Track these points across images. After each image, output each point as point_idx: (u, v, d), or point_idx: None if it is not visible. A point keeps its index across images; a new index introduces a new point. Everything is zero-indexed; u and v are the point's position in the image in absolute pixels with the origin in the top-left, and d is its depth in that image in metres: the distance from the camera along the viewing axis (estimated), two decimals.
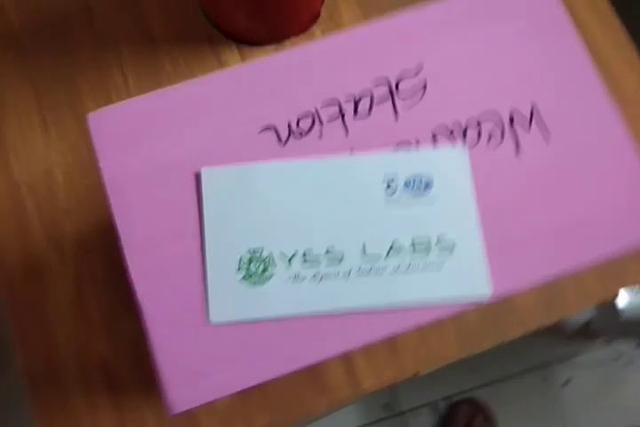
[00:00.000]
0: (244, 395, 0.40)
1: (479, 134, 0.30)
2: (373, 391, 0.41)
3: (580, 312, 1.11)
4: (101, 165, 0.30)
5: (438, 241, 0.30)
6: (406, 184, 0.31)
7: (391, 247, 0.30)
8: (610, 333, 1.16)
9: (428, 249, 0.30)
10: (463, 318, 0.42)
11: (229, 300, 0.30)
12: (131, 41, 0.46)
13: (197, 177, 0.30)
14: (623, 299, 1.07)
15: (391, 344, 0.41)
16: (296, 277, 0.30)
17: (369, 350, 0.41)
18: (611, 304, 1.10)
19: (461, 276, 0.29)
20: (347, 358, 0.41)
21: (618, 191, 0.30)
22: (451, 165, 0.30)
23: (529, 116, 0.31)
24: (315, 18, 0.46)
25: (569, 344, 1.17)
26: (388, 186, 0.30)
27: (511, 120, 0.31)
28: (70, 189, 0.43)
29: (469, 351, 0.42)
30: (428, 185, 0.31)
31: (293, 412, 0.40)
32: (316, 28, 0.46)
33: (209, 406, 0.40)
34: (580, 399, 1.14)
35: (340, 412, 1.10)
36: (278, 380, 0.40)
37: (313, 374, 0.41)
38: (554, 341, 1.17)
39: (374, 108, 0.31)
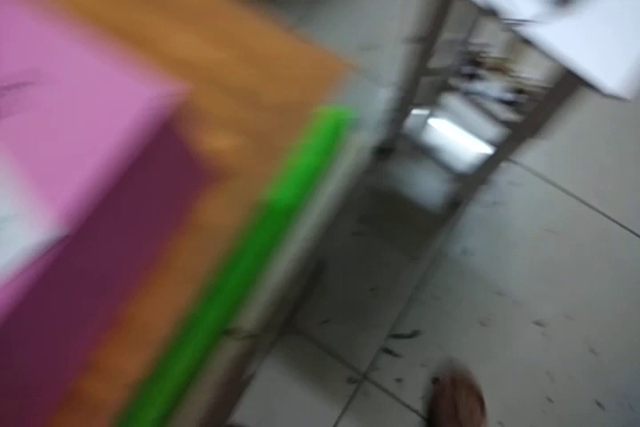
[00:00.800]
0: None
1: None
2: (136, 386, 0.36)
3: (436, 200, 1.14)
4: None
5: None
6: None
7: None
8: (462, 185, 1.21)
9: None
10: None
11: None
12: None
13: None
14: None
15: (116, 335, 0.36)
16: None
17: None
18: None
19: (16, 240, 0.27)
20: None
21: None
22: None
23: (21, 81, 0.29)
24: None
25: (443, 231, 1.20)
26: None
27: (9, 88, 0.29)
28: None
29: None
30: None
31: None
32: None
33: None
34: (484, 257, 1.18)
35: (316, 405, 1.05)
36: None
37: (70, 401, 0.35)
38: (432, 236, 1.20)
39: None
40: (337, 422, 1.05)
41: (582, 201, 1.21)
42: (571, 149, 1.26)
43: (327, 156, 0.46)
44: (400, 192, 1.23)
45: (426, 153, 1.27)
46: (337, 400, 1.06)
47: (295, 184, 0.45)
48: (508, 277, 1.17)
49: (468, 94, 1.03)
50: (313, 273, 1.11)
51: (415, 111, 1.16)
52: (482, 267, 1.17)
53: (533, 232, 1.20)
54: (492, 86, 1.04)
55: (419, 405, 1.06)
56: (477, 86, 1.04)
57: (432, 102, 1.28)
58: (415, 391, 1.07)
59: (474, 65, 1.02)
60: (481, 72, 1.03)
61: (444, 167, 1.18)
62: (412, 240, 1.19)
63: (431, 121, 1.30)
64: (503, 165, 1.22)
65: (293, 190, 0.45)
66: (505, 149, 0.90)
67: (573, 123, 1.26)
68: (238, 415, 1.04)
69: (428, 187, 1.23)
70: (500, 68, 0.99)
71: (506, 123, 0.87)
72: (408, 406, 1.06)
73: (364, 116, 1.26)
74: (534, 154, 1.24)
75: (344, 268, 1.16)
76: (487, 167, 1.04)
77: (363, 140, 0.51)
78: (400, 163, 1.25)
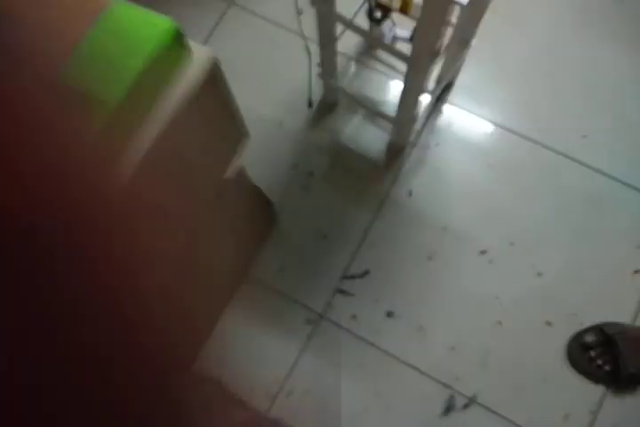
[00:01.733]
0: None
1: None
2: None
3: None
4: None
5: None
6: None
7: None
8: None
9: None
10: None
11: None
12: None
13: None
14: None
15: None
16: None
17: None
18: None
19: None
20: None
21: None
22: None
23: None
24: None
25: (388, 177, 1.25)
26: None
27: None
28: None
29: None
30: None
31: None
32: None
33: None
34: (428, 197, 1.23)
35: (277, 345, 1.11)
36: None
37: None
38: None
39: None
40: (298, 358, 1.11)
41: (518, 133, 1.26)
42: (498, 84, 1.30)
43: (149, 58, 0.50)
44: (345, 144, 1.28)
45: (363, 103, 1.32)
46: (297, 340, 1.12)
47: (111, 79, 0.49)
48: (451, 213, 1.22)
49: (382, 38, 1.07)
50: (263, 221, 1.17)
51: (349, 64, 1.20)
52: (427, 206, 1.23)
53: (474, 169, 1.25)
54: (402, 27, 1.09)
55: (375, 337, 1.12)
56: (387, 29, 1.08)
57: (360, 53, 1.33)
58: (369, 325, 1.13)
59: (382, 8, 1.06)
60: (390, 14, 1.07)
61: (381, 114, 1.23)
62: (360, 188, 1.25)
63: (365, 71, 1.35)
64: (436, 106, 1.27)
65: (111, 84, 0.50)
66: (413, 81, 0.95)
67: (499, 58, 1.30)
68: (203, 363, 1.11)
69: (371, 137, 1.28)
70: (405, 8, 1.03)
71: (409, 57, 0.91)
72: (363, 339, 1.12)
73: (306, 76, 1.30)
74: (468, 93, 1.28)
75: (296, 219, 1.22)
76: (410, 103, 1.07)
77: (204, 51, 0.56)
78: (343, 116, 1.30)
